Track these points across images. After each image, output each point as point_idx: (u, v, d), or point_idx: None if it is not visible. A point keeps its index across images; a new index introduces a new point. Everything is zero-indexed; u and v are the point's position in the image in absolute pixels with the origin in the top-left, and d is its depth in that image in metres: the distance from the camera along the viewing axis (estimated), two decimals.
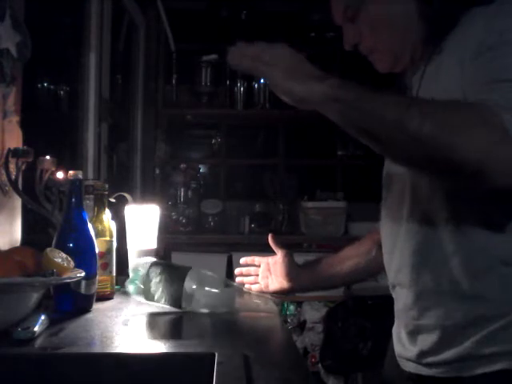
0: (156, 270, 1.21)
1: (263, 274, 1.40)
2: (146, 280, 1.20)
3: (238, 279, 1.45)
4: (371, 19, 1.02)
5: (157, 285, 1.19)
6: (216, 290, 1.17)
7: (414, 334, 1.04)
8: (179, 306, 1.18)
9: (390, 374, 1.16)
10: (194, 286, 1.17)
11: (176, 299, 1.17)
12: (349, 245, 1.37)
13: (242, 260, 1.45)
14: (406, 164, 0.90)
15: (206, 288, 1.17)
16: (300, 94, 0.85)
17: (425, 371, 1.02)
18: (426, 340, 1.01)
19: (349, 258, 1.34)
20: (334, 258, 1.36)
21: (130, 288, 1.23)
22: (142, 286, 1.21)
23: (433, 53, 0.99)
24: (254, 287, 1.42)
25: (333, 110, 0.85)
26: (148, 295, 1.21)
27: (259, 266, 1.42)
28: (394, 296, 1.12)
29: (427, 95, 0.98)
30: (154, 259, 1.28)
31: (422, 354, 1.02)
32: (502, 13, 0.90)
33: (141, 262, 1.25)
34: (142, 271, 1.21)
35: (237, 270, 1.43)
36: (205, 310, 1.17)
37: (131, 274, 1.26)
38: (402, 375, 1.08)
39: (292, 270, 1.35)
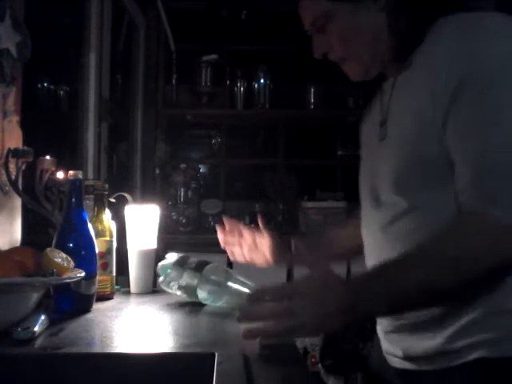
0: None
1: (249, 247, 1.39)
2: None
3: (226, 248, 1.43)
4: (339, 30, 1.02)
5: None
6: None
7: (391, 328, 1.04)
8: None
9: (377, 369, 1.16)
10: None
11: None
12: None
13: (225, 220, 1.42)
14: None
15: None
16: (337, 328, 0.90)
17: (408, 365, 1.01)
18: (403, 331, 1.00)
19: (337, 239, 1.33)
20: (323, 240, 1.35)
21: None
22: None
23: (402, 67, 0.99)
24: (240, 259, 1.41)
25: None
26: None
27: (242, 235, 1.40)
28: None
29: (397, 104, 0.99)
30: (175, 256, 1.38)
31: (404, 348, 1.01)
32: (473, 40, 0.88)
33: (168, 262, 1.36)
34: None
35: (220, 239, 1.41)
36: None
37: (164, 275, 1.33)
38: (389, 370, 1.07)
39: (279, 250, 1.34)
